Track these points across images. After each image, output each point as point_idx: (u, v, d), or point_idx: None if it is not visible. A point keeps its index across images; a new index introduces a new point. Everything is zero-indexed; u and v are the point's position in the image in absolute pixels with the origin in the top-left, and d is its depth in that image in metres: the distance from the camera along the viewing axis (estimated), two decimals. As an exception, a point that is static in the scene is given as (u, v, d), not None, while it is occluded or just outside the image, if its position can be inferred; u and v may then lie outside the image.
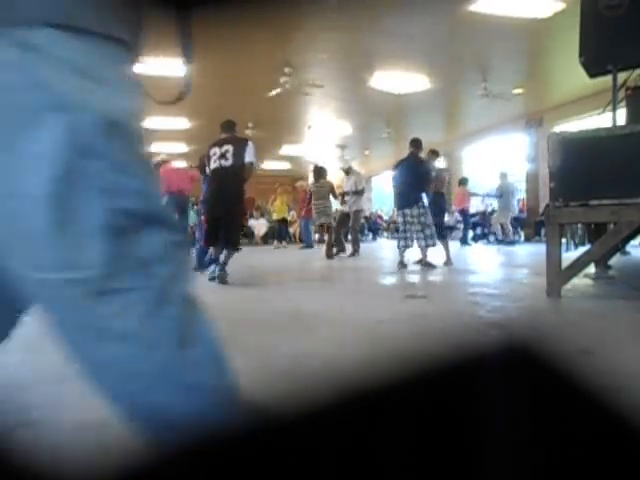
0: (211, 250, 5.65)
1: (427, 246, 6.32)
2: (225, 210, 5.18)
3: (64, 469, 0.20)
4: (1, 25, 0.54)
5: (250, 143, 5.31)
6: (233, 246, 5.31)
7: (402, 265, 6.42)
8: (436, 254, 6.79)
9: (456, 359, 0.22)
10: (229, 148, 5.20)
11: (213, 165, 5.27)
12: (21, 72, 0.55)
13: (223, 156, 5.20)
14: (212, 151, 5.30)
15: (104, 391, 0.64)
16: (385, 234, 18.97)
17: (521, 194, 13.52)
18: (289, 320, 3.18)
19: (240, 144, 5.26)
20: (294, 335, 2.72)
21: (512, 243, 11.76)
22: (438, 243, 6.45)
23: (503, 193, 11.79)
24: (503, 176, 11.93)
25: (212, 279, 5.21)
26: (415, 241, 6.37)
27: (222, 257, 5.29)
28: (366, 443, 0.20)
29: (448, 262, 6.83)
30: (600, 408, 0.20)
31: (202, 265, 5.92)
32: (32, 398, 1.73)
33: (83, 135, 0.56)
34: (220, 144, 5.29)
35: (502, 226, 12.00)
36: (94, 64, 0.58)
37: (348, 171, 9.47)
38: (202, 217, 7.61)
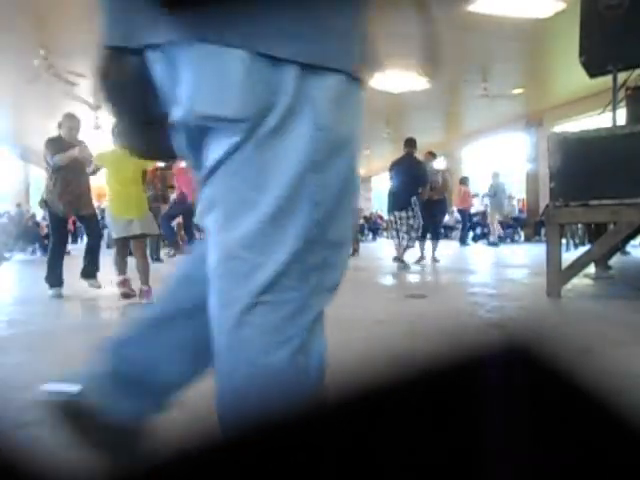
0: None
1: (407, 247, 6.59)
2: None
3: (64, 469, 0.20)
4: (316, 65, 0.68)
5: None
6: None
7: (402, 263, 6.45)
8: (428, 253, 7.47)
9: (456, 359, 0.22)
10: None
11: None
12: (303, 97, 0.67)
13: None
14: None
15: (220, 366, 0.71)
16: (385, 234, 18.97)
17: (513, 194, 13.50)
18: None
19: None
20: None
21: (495, 244, 11.55)
22: (416, 244, 6.87)
23: (496, 192, 11.76)
24: (495, 176, 11.92)
25: None
26: (400, 240, 6.66)
27: None
28: (366, 443, 0.20)
29: (434, 259, 7.42)
30: (600, 408, 0.20)
31: None
32: (32, 398, 1.73)
33: (318, 152, 0.68)
34: None
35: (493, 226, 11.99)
36: (345, 96, 0.71)
37: None
38: None
